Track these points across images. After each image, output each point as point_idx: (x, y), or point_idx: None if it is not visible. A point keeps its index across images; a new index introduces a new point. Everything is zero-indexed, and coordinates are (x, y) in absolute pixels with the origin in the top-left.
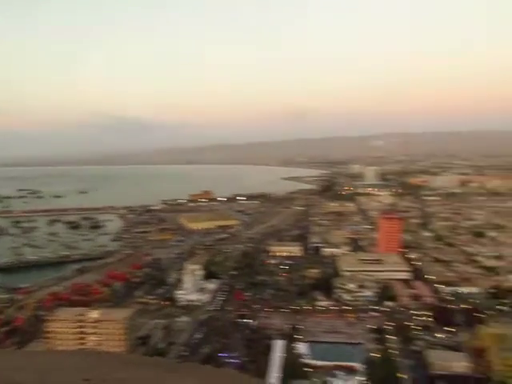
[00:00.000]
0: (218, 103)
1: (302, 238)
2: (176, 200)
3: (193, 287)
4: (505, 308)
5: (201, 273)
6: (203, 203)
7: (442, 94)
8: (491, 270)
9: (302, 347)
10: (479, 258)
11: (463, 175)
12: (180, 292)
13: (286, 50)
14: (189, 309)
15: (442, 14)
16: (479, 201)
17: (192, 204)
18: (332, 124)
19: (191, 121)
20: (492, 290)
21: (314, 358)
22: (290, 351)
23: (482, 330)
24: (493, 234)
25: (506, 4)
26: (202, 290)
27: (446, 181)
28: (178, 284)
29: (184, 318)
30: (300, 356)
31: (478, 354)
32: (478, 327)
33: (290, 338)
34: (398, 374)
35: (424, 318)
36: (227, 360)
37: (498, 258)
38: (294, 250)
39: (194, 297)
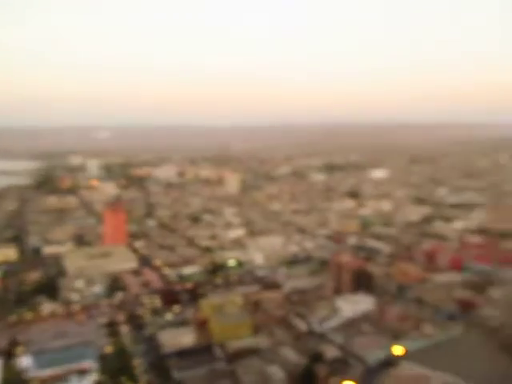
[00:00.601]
0: None
1: (17, 240)
2: None
3: None
4: (219, 281)
5: None
6: None
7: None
8: (207, 250)
9: (24, 361)
10: (197, 240)
11: (181, 166)
12: None
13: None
14: None
15: None
16: (195, 189)
17: None
18: (50, 112)
19: None
20: (209, 267)
21: (40, 369)
22: (10, 369)
23: (203, 303)
24: (207, 217)
25: None
26: None
27: (166, 172)
28: None
29: None
30: (23, 371)
31: (201, 325)
32: (200, 302)
33: (8, 354)
34: (133, 362)
35: (154, 303)
36: None
37: (212, 238)
38: (9, 253)
39: None
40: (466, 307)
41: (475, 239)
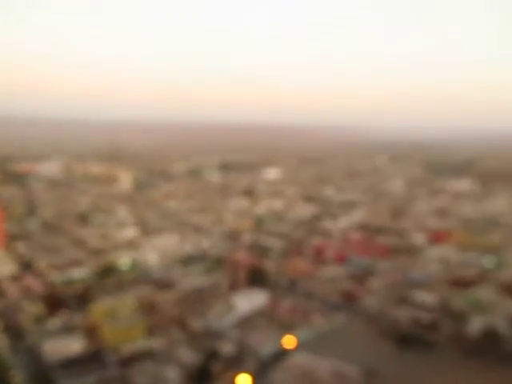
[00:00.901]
0: None
1: None
2: None
3: None
4: (111, 284)
5: None
6: None
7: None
8: (98, 251)
9: None
10: (87, 241)
11: (67, 162)
12: None
13: None
14: None
15: None
16: (84, 187)
17: None
18: None
19: None
20: (99, 269)
21: None
22: None
23: (93, 307)
24: (97, 217)
25: None
26: None
27: (50, 168)
28: None
29: None
30: None
31: (91, 330)
32: (89, 306)
33: None
34: (10, 375)
35: (36, 309)
36: None
37: (103, 238)
38: None
39: None
40: (349, 298)
41: (356, 235)
